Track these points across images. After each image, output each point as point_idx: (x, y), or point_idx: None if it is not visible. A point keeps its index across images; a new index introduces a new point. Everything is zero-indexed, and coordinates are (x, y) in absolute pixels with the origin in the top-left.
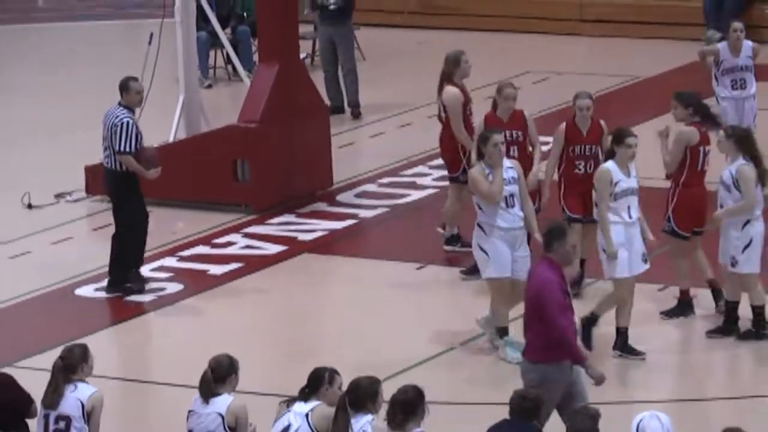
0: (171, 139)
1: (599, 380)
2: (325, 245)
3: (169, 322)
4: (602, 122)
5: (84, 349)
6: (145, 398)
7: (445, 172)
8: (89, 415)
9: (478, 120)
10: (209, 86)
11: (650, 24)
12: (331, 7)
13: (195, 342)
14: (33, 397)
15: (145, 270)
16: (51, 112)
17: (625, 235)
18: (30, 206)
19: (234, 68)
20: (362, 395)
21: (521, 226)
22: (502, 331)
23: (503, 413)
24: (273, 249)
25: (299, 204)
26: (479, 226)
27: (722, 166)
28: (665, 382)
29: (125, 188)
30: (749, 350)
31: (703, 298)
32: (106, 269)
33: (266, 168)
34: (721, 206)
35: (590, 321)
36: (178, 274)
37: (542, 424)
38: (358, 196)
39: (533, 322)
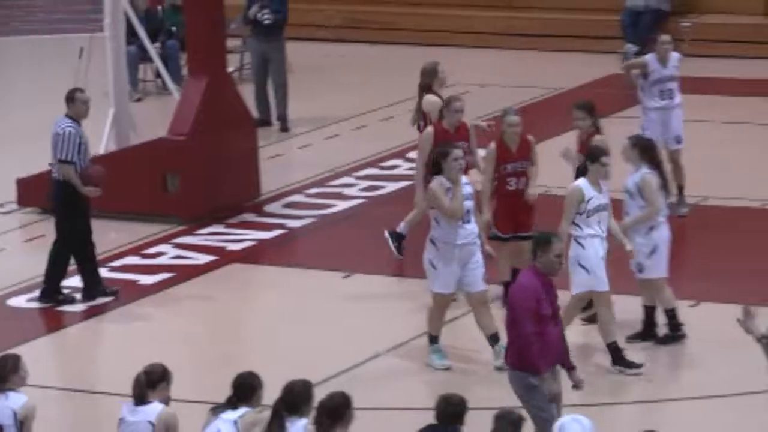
0: (101, 151)
1: (578, 385)
2: (253, 255)
3: (100, 332)
4: (530, 137)
5: (16, 358)
6: (77, 407)
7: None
8: (22, 423)
9: None
10: (139, 99)
11: (564, 37)
12: (266, 22)
13: (126, 351)
14: None
15: (76, 280)
16: None
17: (602, 248)
18: None
19: (163, 82)
20: (297, 398)
21: (475, 242)
22: (433, 339)
23: (429, 418)
24: (202, 259)
25: (228, 214)
26: (432, 242)
27: (626, 175)
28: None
29: (68, 200)
30: (666, 353)
31: (626, 303)
32: (38, 280)
33: (195, 179)
34: (627, 213)
35: (616, 350)
36: (109, 284)
37: (552, 424)
38: (286, 206)
39: (509, 328)
